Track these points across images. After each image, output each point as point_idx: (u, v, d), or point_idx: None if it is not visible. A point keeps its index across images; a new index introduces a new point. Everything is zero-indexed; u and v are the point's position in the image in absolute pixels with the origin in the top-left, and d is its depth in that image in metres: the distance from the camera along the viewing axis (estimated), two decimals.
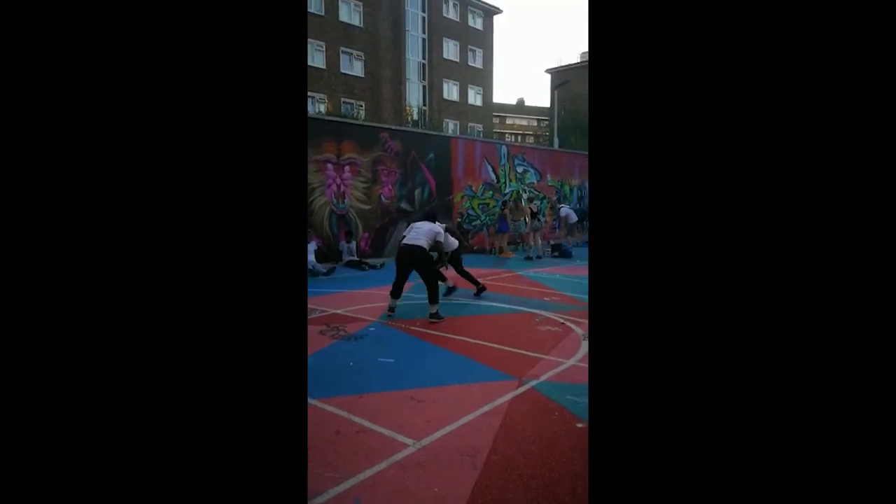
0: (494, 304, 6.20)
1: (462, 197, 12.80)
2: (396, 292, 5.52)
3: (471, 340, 4.54)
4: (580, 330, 4.87)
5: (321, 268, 8.62)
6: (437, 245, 5.47)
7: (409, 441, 2.59)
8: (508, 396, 3.20)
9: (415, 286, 7.40)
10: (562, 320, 5.27)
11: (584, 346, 4.32)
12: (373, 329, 4.96)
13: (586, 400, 3.14)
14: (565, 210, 12.73)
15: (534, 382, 3.45)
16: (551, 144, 19.30)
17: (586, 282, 7.82)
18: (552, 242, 12.08)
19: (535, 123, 48.98)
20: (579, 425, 2.80)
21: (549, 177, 15.35)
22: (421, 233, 5.41)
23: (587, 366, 3.78)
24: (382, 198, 10.90)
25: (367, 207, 10.61)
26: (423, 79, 25.61)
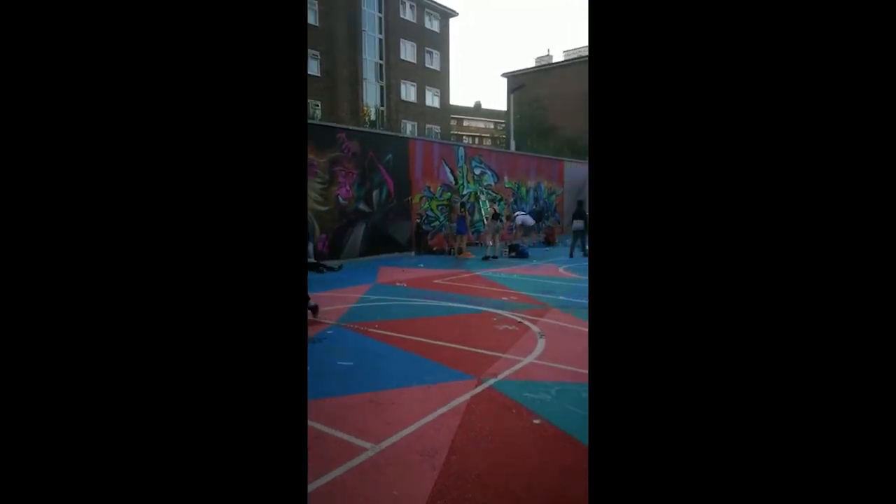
0: (453, 304, 6.24)
1: (420, 198, 12.80)
2: None
3: (430, 341, 4.55)
4: (536, 328, 4.97)
5: None
6: None
7: (367, 445, 2.57)
8: (467, 396, 3.23)
9: (372, 287, 7.34)
10: (519, 319, 5.36)
11: (541, 344, 4.41)
12: (331, 332, 4.89)
13: (543, 396, 3.21)
14: (521, 217, 12.90)
15: (492, 381, 3.50)
16: (508, 147, 19.59)
17: (542, 281, 8.00)
18: (509, 243, 12.26)
19: (493, 126, 49.60)
20: (536, 421, 2.86)
21: (506, 178, 15.57)
22: None
23: (544, 363, 3.88)
24: (340, 199, 10.76)
25: (325, 209, 10.44)
26: (381, 79, 25.46)
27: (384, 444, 2.58)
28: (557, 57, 39.87)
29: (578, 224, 11.64)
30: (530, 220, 13.15)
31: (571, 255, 11.52)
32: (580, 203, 12.45)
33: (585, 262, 10.43)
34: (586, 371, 3.71)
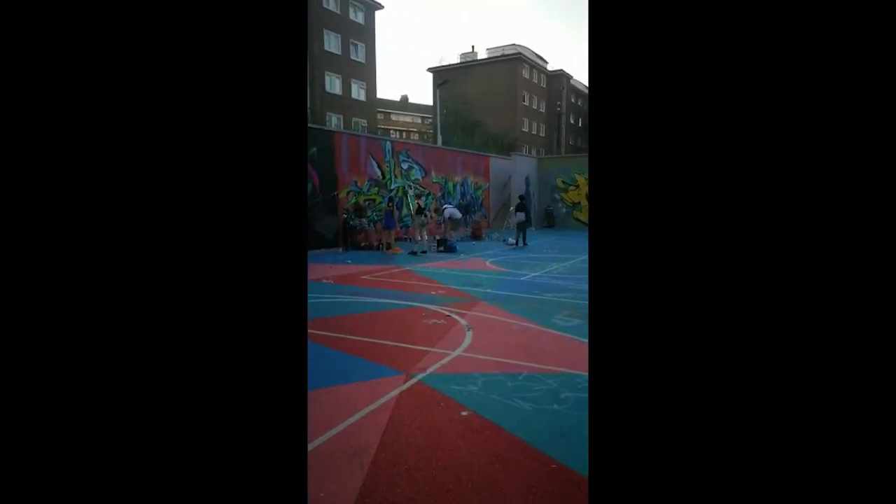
0: (382, 300, 6.19)
1: (347, 193, 12.56)
2: None
3: (358, 338, 4.48)
4: (464, 321, 5.05)
5: None
6: None
7: None
8: (396, 392, 3.22)
9: None
10: (447, 313, 5.42)
11: (469, 337, 4.49)
12: None
13: (470, 388, 3.28)
14: (449, 210, 13.07)
15: (421, 375, 3.51)
16: (435, 142, 19.69)
17: (470, 275, 8.14)
18: (437, 237, 12.35)
19: (420, 120, 49.61)
20: (464, 413, 2.91)
21: (433, 173, 15.65)
22: None
23: (471, 355, 3.95)
24: None
25: None
26: None
27: (311, 446, 2.51)
28: (482, 54, 40.57)
29: (521, 216, 12.69)
30: (458, 214, 13.33)
31: (523, 244, 12.41)
32: (521, 197, 13.51)
33: (512, 255, 10.74)
34: (512, 361, 3.83)
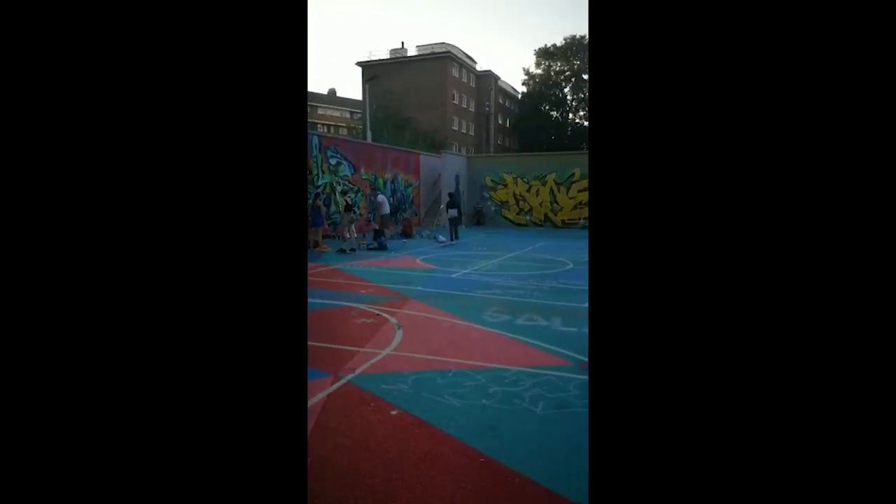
0: (309, 299, 5.99)
1: None
2: None
3: None
4: (394, 320, 5.01)
5: None
6: None
7: None
8: (323, 394, 3.13)
9: None
10: (377, 311, 5.35)
11: (399, 336, 4.46)
12: None
13: (400, 387, 3.25)
14: (381, 197, 12.95)
15: (350, 376, 3.44)
16: (364, 138, 19.38)
17: (400, 272, 8.09)
18: (374, 228, 12.17)
19: (349, 115, 48.64)
20: (393, 412, 2.88)
21: (363, 170, 15.40)
22: None
23: (401, 354, 3.93)
24: None
25: None
26: None
27: None
28: (412, 51, 40.46)
29: (453, 212, 13.13)
30: (387, 205, 13.20)
31: (456, 239, 12.88)
32: (451, 195, 13.92)
33: (442, 253, 10.81)
34: (442, 358, 3.85)
